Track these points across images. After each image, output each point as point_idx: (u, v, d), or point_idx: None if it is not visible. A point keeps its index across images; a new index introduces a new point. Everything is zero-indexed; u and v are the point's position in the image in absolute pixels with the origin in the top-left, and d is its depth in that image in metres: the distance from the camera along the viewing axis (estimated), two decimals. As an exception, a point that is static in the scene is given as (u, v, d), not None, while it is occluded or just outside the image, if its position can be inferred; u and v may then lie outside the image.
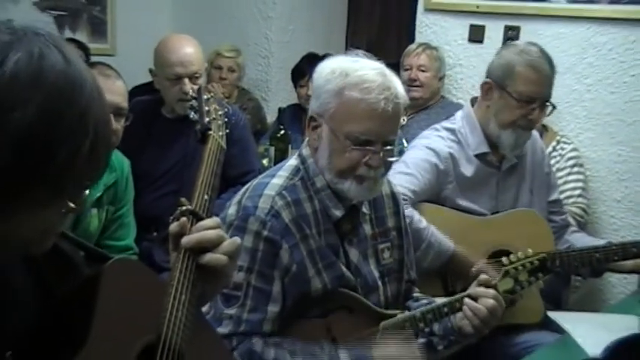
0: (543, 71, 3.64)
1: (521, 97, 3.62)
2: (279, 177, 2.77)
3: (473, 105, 3.89)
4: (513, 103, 3.63)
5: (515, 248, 3.55)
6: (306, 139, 2.87)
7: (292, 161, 2.84)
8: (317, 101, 2.70)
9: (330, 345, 2.68)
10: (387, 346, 2.72)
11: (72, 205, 1.53)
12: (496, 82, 3.70)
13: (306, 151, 2.82)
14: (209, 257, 1.89)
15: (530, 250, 2.93)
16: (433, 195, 3.69)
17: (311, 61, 5.94)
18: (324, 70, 2.71)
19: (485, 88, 3.76)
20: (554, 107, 3.75)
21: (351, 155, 2.65)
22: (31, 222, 1.48)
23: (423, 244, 3.41)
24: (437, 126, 3.88)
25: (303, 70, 6.04)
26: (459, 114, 3.91)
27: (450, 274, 3.58)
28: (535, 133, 4.02)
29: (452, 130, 3.80)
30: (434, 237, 3.47)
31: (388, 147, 2.69)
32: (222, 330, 2.59)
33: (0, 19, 1.46)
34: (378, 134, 2.65)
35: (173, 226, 1.94)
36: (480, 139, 3.76)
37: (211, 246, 1.89)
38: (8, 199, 1.40)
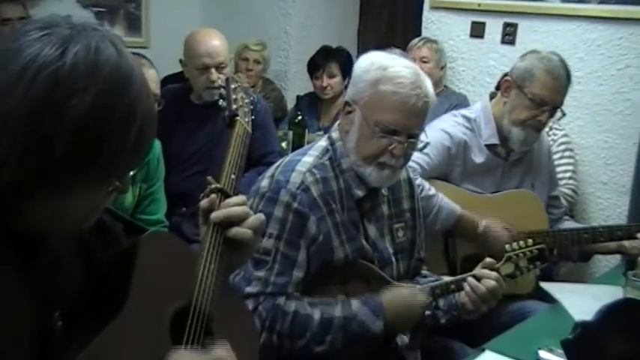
0: (560, 79, 3.64)
1: (535, 98, 3.62)
2: (309, 156, 2.79)
3: (491, 99, 3.90)
4: (527, 103, 3.63)
5: (513, 225, 3.60)
6: (336, 123, 2.91)
7: (322, 143, 2.86)
8: (354, 89, 2.73)
9: (342, 295, 2.72)
10: (393, 292, 2.74)
11: (118, 184, 1.55)
12: (516, 82, 3.70)
13: (335, 134, 2.84)
14: (235, 231, 1.89)
15: (530, 240, 2.94)
16: (442, 174, 3.70)
17: (324, 55, 6.04)
18: (364, 62, 2.74)
19: (505, 85, 3.76)
20: (563, 114, 3.75)
21: (378, 142, 2.68)
22: (83, 199, 1.51)
23: (434, 209, 3.43)
24: (456, 112, 3.89)
25: (318, 63, 6.04)
26: (477, 105, 3.92)
27: (459, 238, 3.60)
28: (543, 133, 4.01)
29: (468, 119, 3.80)
30: (443, 202, 3.50)
31: (412, 140, 2.72)
32: (251, 290, 2.62)
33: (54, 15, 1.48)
34: (405, 126, 2.68)
35: (203, 203, 1.95)
36: (492, 131, 3.76)
37: (238, 221, 1.90)
38: (65, 179, 1.43)
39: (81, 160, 1.42)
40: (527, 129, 3.68)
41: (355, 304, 2.68)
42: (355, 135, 2.72)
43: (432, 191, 3.47)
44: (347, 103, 2.75)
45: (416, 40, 5.61)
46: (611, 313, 1.29)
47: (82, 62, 1.39)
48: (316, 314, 2.63)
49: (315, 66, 6.05)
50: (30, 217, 1.50)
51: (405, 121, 2.68)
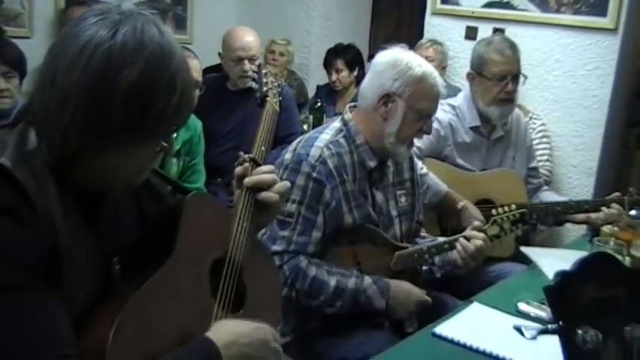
0: (506, 52, 3.68)
1: (495, 76, 3.65)
2: (326, 133, 2.80)
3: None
4: (490, 83, 3.66)
5: (495, 199, 3.61)
6: (347, 106, 2.92)
7: (336, 123, 2.87)
8: (395, 82, 2.74)
9: (357, 271, 2.73)
10: (400, 283, 2.76)
11: (164, 145, 1.57)
12: (475, 71, 3.74)
13: (347, 115, 2.85)
14: (265, 194, 1.90)
15: (513, 206, 2.94)
16: (434, 153, 3.70)
17: (331, 54, 6.09)
18: (403, 59, 2.76)
19: (470, 77, 3.79)
20: (525, 77, 3.80)
21: (417, 125, 2.78)
22: (134, 158, 1.53)
23: (424, 186, 3.41)
24: (442, 101, 3.87)
25: (327, 61, 6.11)
26: (461, 94, 3.91)
27: (444, 212, 3.59)
28: (521, 114, 4.06)
29: (453, 107, 3.80)
30: (432, 181, 3.49)
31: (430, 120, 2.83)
32: (276, 248, 2.64)
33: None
34: (434, 110, 2.85)
35: (238, 170, 1.96)
36: (473, 115, 3.76)
37: (267, 186, 1.91)
38: (119, 140, 1.45)
39: (132, 124, 1.44)
40: (499, 104, 3.69)
41: (367, 280, 2.70)
42: (398, 121, 2.75)
43: (424, 170, 3.47)
44: (387, 95, 2.75)
45: (424, 40, 5.57)
46: (585, 264, 1.29)
47: (131, 41, 1.43)
48: (332, 282, 2.64)
49: (326, 63, 6.13)
50: (91, 175, 1.52)
51: (435, 106, 2.83)
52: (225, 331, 1.56)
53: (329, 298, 2.64)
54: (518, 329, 2.42)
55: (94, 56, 1.40)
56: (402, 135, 2.77)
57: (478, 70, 3.71)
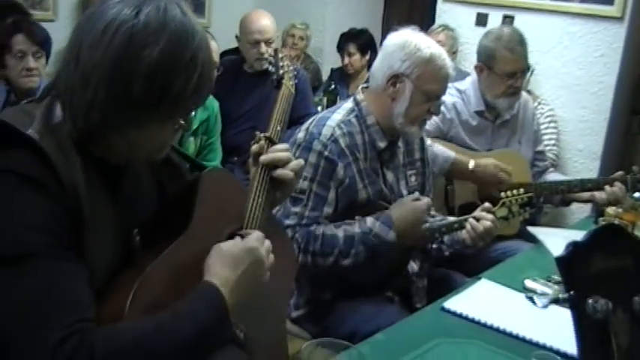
0: (517, 51, 3.60)
1: (505, 73, 3.58)
2: (338, 113, 2.77)
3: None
4: (499, 79, 3.61)
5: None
6: (359, 87, 2.89)
7: (348, 104, 2.84)
8: (403, 64, 2.69)
9: (359, 217, 2.70)
10: (400, 206, 2.72)
11: (183, 122, 1.57)
12: (485, 64, 3.67)
13: (359, 96, 2.82)
14: (279, 172, 1.91)
15: (522, 189, 2.93)
16: (441, 134, 3.66)
17: (344, 38, 6.12)
18: (412, 41, 2.71)
19: (478, 70, 3.72)
20: (532, 71, 3.81)
21: (425, 106, 2.73)
22: (155, 134, 1.53)
23: (431, 155, 3.36)
24: (450, 85, 3.84)
25: (340, 45, 6.13)
26: (468, 79, 3.85)
27: (455, 177, 3.57)
28: (530, 99, 4.00)
29: (459, 90, 3.75)
30: (437, 149, 3.45)
31: (439, 100, 2.79)
32: (289, 222, 2.63)
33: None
34: (443, 91, 2.79)
35: (254, 147, 1.96)
36: (478, 100, 3.71)
37: (282, 164, 1.91)
38: (140, 116, 1.47)
39: (152, 101, 1.45)
40: (508, 97, 3.65)
41: (369, 220, 2.67)
42: (405, 102, 2.71)
43: (429, 142, 3.41)
44: (395, 76, 2.71)
45: (436, 25, 5.56)
46: (595, 235, 1.28)
47: (153, 20, 1.43)
48: (340, 233, 2.63)
49: (339, 47, 6.14)
50: (112, 150, 1.54)
51: (444, 88, 2.78)
52: (221, 266, 1.57)
53: (342, 249, 2.62)
54: (530, 299, 2.43)
55: (117, 35, 1.41)
56: (411, 115, 2.73)
57: (488, 65, 3.64)
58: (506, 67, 3.58)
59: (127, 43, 1.40)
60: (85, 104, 1.43)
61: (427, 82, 2.70)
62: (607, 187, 3.50)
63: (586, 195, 3.63)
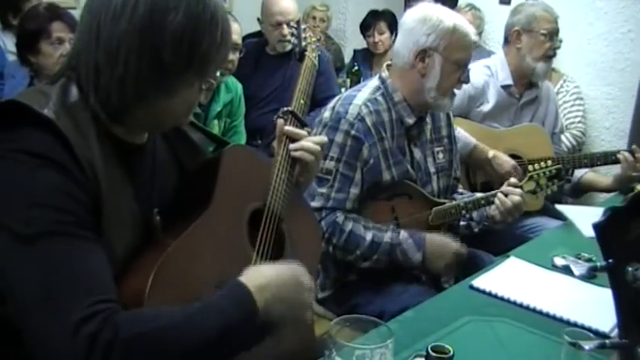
0: (553, 12, 3.70)
1: (548, 32, 3.62)
2: (364, 91, 2.73)
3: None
4: (542, 39, 3.63)
5: (522, 153, 3.58)
6: (385, 64, 2.85)
7: (374, 81, 2.80)
8: (429, 37, 2.66)
9: (393, 226, 2.68)
10: (435, 235, 2.70)
11: (210, 81, 1.56)
12: (524, 28, 3.66)
13: (385, 74, 2.78)
14: (299, 153, 1.91)
15: (549, 162, 2.88)
16: (463, 112, 3.63)
17: (373, 16, 6.02)
18: (433, 14, 2.69)
19: (515, 35, 3.69)
20: (561, 41, 3.76)
21: (456, 75, 2.72)
22: (184, 98, 1.52)
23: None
24: (477, 62, 3.81)
25: (369, 23, 6.01)
26: (495, 56, 3.88)
27: (473, 164, 3.55)
28: (551, 86, 4.00)
29: (488, 66, 3.74)
30: (460, 134, 3.41)
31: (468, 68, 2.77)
32: (315, 204, 2.59)
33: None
34: (470, 58, 2.77)
35: (279, 121, 1.96)
36: (507, 74, 3.69)
37: (299, 137, 1.93)
38: (171, 82, 1.46)
39: (183, 64, 1.45)
40: (546, 60, 3.67)
41: (403, 234, 2.64)
42: (437, 75, 2.68)
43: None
44: (423, 51, 2.68)
45: (463, 4, 5.54)
46: (635, 200, 1.22)
47: None
48: (368, 236, 2.60)
49: (367, 25, 6.01)
50: (139, 125, 1.55)
51: (470, 55, 2.76)
52: (257, 274, 1.50)
53: (365, 252, 2.60)
54: (567, 267, 2.43)
55: (138, 6, 1.41)
56: (443, 87, 2.70)
57: (527, 28, 3.65)
58: (547, 24, 3.64)
59: (150, 13, 1.41)
60: (116, 80, 1.42)
61: (455, 52, 2.67)
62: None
63: (603, 181, 3.68)
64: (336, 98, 2.79)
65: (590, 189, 3.85)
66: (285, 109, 1.96)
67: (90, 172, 1.36)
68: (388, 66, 2.83)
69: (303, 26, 2.48)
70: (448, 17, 2.67)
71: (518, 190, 2.71)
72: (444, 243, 2.70)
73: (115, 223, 1.42)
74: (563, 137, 3.93)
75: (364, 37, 6.08)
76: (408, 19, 2.74)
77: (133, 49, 1.40)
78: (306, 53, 2.32)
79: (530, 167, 2.88)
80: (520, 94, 3.72)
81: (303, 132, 1.95)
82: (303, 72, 2.21)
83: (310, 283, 1.60)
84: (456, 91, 2.81)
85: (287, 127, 1.91)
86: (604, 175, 3.81)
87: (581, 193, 3.93)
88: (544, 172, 2.85)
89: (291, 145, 1.91)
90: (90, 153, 1.38)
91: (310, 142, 1.94)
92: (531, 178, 2.85)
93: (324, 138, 2.00)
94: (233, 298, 1.43)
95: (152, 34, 1.41)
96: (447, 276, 2.79)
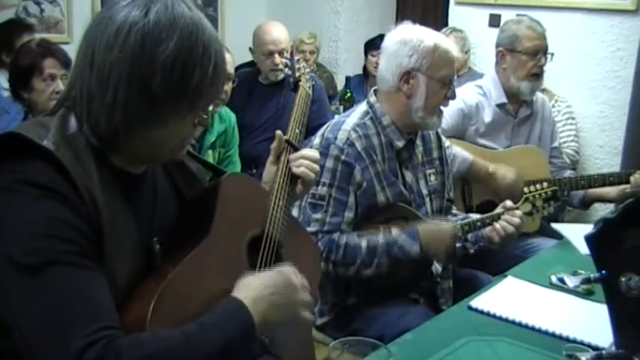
0: (538, 29, 3.70)
1: (529, 51, 3.64)
2: (352, 117, 2.78)
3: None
4: (524, 58, 3.64)
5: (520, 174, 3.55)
6: (372, 89, 2.90)
7: (362, 106, 2.85)
8: (410, 59, 2.70)
9: (384, 228, 2.70)
10: (428, 222, 2.73)
11: (202, 116, 1.57)
12: (507, 48, 3.70)
13: (373, 99, 2.83)
14: (302, 169, 1.97)
15: (545, 184, 2.90)
16: (457, 132, 3.66)
17: (382, 38, 5.95)
18: (412, 35, 2.73)
19: (500, 55, 3.74)
20: (552, 55, 3.76)
21: (442, 93, 2.75)
22: (176, 130, 1.53)
23: (450, 156, 3.35)
24: (469, 83, 3.85)
25: (377, 43, 5.97)
26: (487, 76, 3.91)
27: (472, 179, 3.56)
28: (546, 99, 4.01)
29: (480, 86, 3.77)
30: (456, 151, 3.45)
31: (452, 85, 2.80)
32: (311, 229, 2.62)
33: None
34: (454, 73, 2.80)
35: (274, 144, 2.03)
36: (500, 93, 3.72)
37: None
38: (161, 113, 1.47)
39: (173, 95, 1.46)
40: (531, 79, 3.67)
41: (395, 231, 2.66)
42: (423, 95, 2.71)
43: (447, 143, 3.39)
44: (407, 73, 2.72)
45: (444, 29, 5.56)
46: (627, 210, 1.24)
47: (163, 17, 1.45)
48: (363, 243, 2.62)
49: (374, 45, 5.96)
50: (135, 152, 1.54)
51: (454, 70, 2.80)
52: (250, 286, 1.52)
53: (365, 259, 2.62)
54: (561, 279, 2.46)
55: (130, 36, 1.43)
56: (430, 106, 2.73)
57: (510, 48, 3.68)
58: (529, 43, 3.65)
59: (141, 42, 1.42)
60: (106, 107, 1.44)
61: (439, 69, 2.71)
62: (631, 178, 3.49)
63: (615, 192, 3.63)
64: (326, 125, 2.82)
65: (599, 200, 3.85)
66: (283, 137, 2.00)
67: (90, 201, 1.39)
68: (375, 91, 2.86)
69: (296, 57, 2.51)
70: (428, 37, 2.71)
71: (519, 212, 2.74)
72: (437, 227, 2.72)
73: (116, 251, 1.44)
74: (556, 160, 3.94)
75: (366, 56, 6.17)
76: (389, 42, 2.78)
77: (123, 77, 1.42)
78: (300, 83, 2.35)
79: (525, 189, 2.89)
80: (515, 111, 3.75)
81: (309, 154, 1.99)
82: (298, 102, 2.24)
83: (302, 280, 1.62)
84: (449, 110, 2.85)
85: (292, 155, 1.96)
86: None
87: (589, 204, 3.93)
88: (540, 194, 2.87)
89: (292, 156, 1.98)
90: (90, 182, 1.41)
91: (308, 159, 1.99)
92: (527, 200, 2.86)
93: (316, 154, 2.04)
94: (228, 313, 1.46)
95: (142, 62, 1.42)
96: (451, 263, 2.84)
